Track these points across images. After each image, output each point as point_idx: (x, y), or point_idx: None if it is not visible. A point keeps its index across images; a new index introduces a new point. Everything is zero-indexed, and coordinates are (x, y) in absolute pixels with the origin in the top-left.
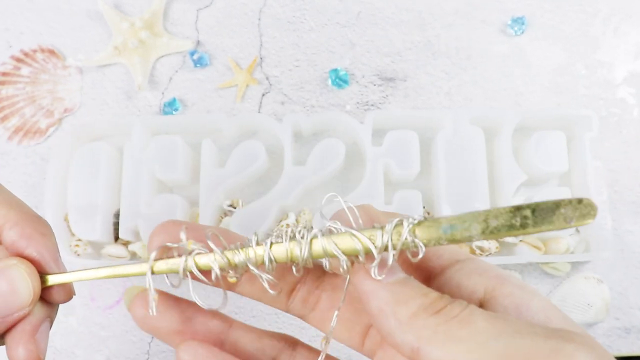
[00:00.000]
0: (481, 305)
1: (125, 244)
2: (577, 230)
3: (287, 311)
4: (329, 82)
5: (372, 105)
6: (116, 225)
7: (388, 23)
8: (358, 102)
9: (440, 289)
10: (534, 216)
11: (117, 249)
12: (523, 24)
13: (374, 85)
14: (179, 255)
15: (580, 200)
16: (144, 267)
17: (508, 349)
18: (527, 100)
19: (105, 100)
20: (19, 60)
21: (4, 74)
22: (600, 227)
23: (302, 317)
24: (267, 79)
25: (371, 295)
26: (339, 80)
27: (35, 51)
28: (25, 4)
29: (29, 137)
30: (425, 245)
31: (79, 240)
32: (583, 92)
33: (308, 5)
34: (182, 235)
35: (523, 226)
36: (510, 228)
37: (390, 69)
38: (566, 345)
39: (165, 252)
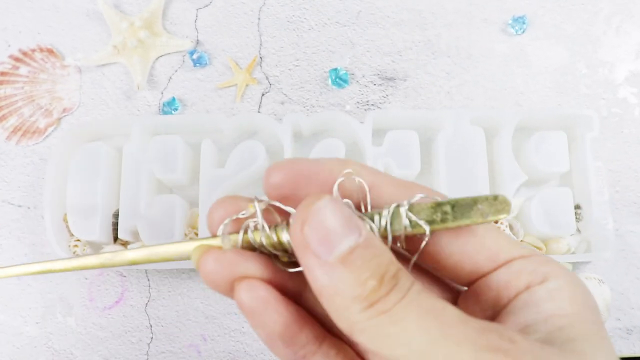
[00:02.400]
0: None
1: (124, 244)
2: (578, 231)
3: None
4: (329, 81)
5: (372, 105)
6: (115, 226)
7: (388, 22)
8: (358, 102)
9: (489, 286)
10: (454, 211)
11: (116, 249)
12: (524, 23)
13: (374, 84)
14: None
15: (495, 197)
16: (101, 259)
17: (432, 353)
18: (528, 100)
19: (104, 100)
20: (17, 59)
21: (3, 73)
22: (602, 227)
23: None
24: (267, 78)
25: (309, 273)
26: (339, 79)
27: (34, 50)
28: (24, 3)
29: (28, 137)
30: None
31: (78, 240)
32: (584, 91)
33: (308, 5)
34: (256, 206)
35: (443, 221)
36: (432, 223)
37: (390, 68)
38: (489, 357)
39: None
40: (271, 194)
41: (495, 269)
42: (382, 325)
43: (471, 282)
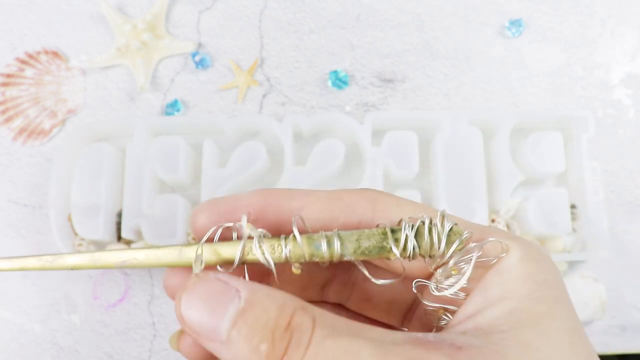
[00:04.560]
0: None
1: (128, 243)
2: (574, 230)
3: (323, 300)
4: (329, 83)
5: (371, 106)
6: (119, 225)
7: (387, 25)
8: (358, 103)
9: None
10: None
11: (119, 248)
12: (520, 26)
13: (374, 86)
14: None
15: (450, 228)
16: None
17: None
18: (525, 101)
19: (108, 101)
20: (23, 62)
21: (9, 75)
22: (597, 226)
23: (341, 303)
24: (268, 80)
25: (219, 357)
26: (339, 81)
27: (39, 53)
28: (29, 6)
29: (33, 138)
30: (296, 261)
31: (82, 239)
32: (580, 93)
33: (308, 8)
34: (243, 220)
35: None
36: (381, 250)
37: (389, 70)
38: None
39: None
40: (199, 236)
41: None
42: None
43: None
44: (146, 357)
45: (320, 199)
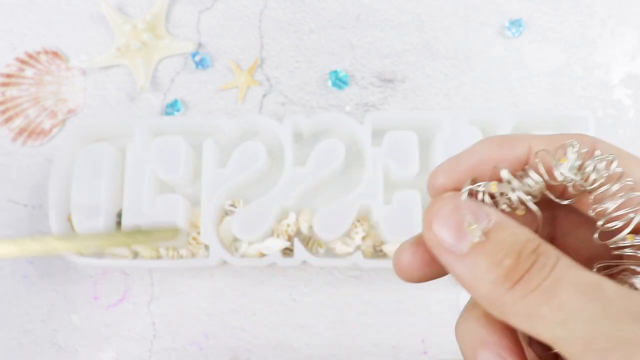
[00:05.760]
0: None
1: None
2: None
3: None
4: (329, 83)
5: (371, 106)
6: (119, 225)
7: (387, 25)
8: (358, 103)
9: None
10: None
11: (119, 248)
12: (520, 26)
13: (374, 86)
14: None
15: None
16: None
17: (593, 333)
18: (525, 101)
19: (108, 101)
20: (23, 62)
21: (9, 75)
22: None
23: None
24: (268, 80)
25: (450, 270)
26: (339, 81)
27: (39, 53)
28: (29, 6)
29: (33, 138)
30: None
31: None
32: (580, 93)
33: (308, 8)
34: (504, 173)
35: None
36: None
37: (389, 70)
38: None
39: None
40: (434, 195)
41: None
42: (533, 306)
43: None
44: (146, 357)
45: (544, 141)
